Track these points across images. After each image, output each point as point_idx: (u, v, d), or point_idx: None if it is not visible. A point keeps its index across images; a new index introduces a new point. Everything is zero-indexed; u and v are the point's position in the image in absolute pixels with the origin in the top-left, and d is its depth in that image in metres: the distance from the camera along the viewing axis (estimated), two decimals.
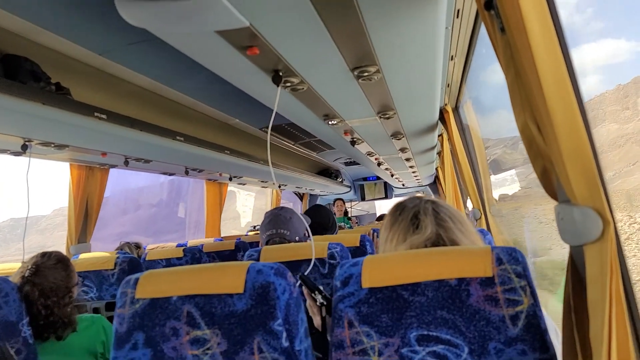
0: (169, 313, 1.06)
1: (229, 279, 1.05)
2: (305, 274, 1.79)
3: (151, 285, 1.08)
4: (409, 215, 1.16)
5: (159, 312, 1.06)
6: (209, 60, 1.50)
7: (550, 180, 0.95)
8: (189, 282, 1.07)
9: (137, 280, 1.09)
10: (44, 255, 1.83)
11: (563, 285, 0.97)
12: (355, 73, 1.65)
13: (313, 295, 1.39)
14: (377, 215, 10.68)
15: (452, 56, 2.07)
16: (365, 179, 9.80)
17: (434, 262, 0.98)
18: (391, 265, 1.00)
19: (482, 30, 1.82)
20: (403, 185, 8.73)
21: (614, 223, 0.81)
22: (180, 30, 1.21)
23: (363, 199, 10.09)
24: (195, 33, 1.24)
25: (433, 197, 1.23)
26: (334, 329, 1.01)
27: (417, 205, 1.18)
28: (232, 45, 1.31)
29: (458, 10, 1.63)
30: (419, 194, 1.39)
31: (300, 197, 9.27)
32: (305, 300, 1.54)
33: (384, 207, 11.77)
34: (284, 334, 1.03)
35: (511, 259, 0.94)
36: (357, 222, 9.26)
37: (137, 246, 3.52)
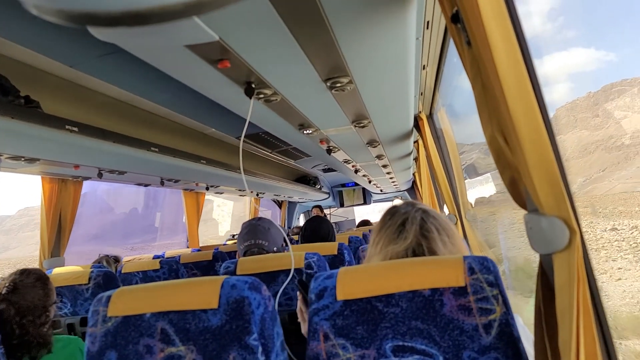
0: (143, 330, 1.04)
1: (202, 295, 1.05)
2: (284, 285, 1.79)
3: (123, 303, 1.07)
4: (397, 222, 1.16)
5: (132, 329, 1.05)
6: (180, 73, 1.49)
7: (519, 190, 0.97)
8: (162, 299, 1.05)
9: (109, 298, 1.08)
10: (23, 272, 1.78)
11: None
12: (328, 84, 1.66)
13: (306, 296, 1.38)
14: (357, 220, 10.71)
15: (424, 65, 2.09)
16: (343, 185, 9.83)
17: (407, 273, 0.99)
18: (365, 277, 1.01)
19: (451, 42, 1.84)
20: (381, 191, 8.78)
21: (581, 232, 0.83)
22: (149, 45, 1.20)
23: (342, 205, 10.11)
24: (164, 47, 1.23)
25: (425, 206, 1.23)
26: (309, 342, 1.01)
27: (407, 212, 1.18)
28: (203, 58, 1.31)
29: (428, 22, 1.65)
30: (397, 200, 1.40)
31: (279, 204, 9.25)
32: (282, 311, 1.53)
33: (363, 213, 11.80)
34: (260, 349, 1.02)
35: (483, 268, 0.95)
36: (338, 230, 9.26)
37: (116, 260, 3.46)
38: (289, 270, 1.81)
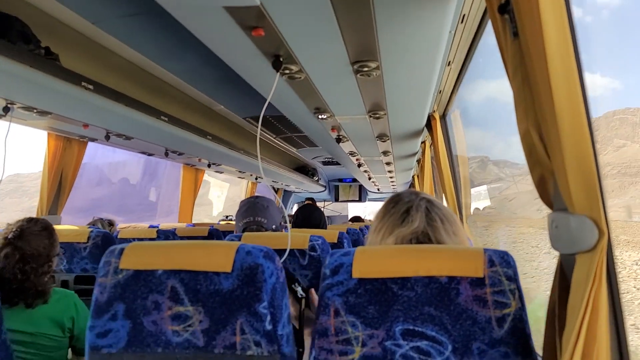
0: (153, 286, 1.03)
1: (217, 257, 1.04)
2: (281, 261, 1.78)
3: (137, 257, 1.05)
4: (402, 209, 1.15)
5: (142, 284, 1.04)
6: (211, 38, 1.48)
7: (547, 188, 0.96)
8: (176, 257, 1.04)
9: (122, 250, 1.07)
10: (31, 220, 1.78)
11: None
12: (355, 67, 1.65)
13: (293, 286, 1.38)
14: (350, 216, 10.73)
15: (449, 62, 2.09)
16: (340, 180, 9.84)
17: (426, 258, 0.98)
18: (383, 258, 1.00)
19: (483, 39, 1.84)
20: (378, 189, 8.79)
21: (609, 234, 0.83)
22: (188, 2, 1.19)
23: (337, 199, 10.13)
24: (202, 7, 1.22)
25: (428, 195, 1.23)
26: (318, 317, 1.00)
27: (412, 200, 1.17)
28: (238, 23, 1.29)
29: (464, 15, 1.64)
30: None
31: (275, 191, 9.24)
32: None
33: (356, 209, 11.82)
34: (268, 317, 1.02)
35: (503, 262, 0.95)
36: (330, 223, 9.27)
37: (110, 223, 3.44)
38: (293, 250, 1.81)
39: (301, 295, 1.35)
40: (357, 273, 0.99)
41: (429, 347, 0.94)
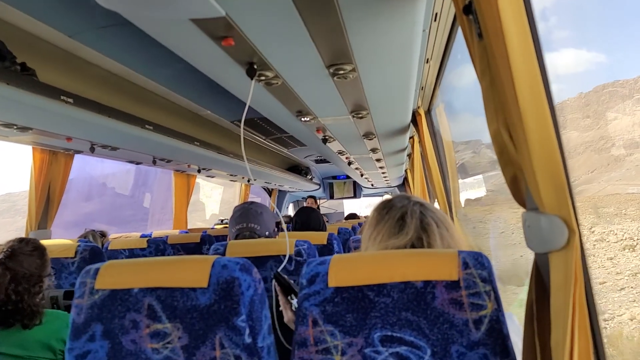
0: (130, 305, 1.03)
1: (193, 273, 1.03)
2: (281, 267, 1.77)
3: (112, 276, 1.05)
4: (396, 215, 1.15)
5: (119, 303, 1.03)
6: (183, 49, 1.47)
7: (519, 187, 0.96)
8: (151, 274, 1.04)
9: (97, 270, 1.06)
10: (22, 240, 1.77)
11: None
12: (331, 70, 1.64)
13: (289, 298, 1.36)
14: (345, 214, 10.73)
15: (427, 59, 2.08)
16: (334, 177, 9.83)
17: (400, 263, 0.98)
18: (358, 265, 1.00)
19: (459, 35, 1.83)
20: (372, 185, 8.79)
21: (579, 232, 0.82)
22: (154, 17, 1.18)
23: (332, 197, 10.13)
24: (169, 20, 1.21)
25: (421, 199, 1.22)
26: (297, 327, 1.00)
27: (405, 206, 1.16)
28: (207, 34, 1.28)
29: (436, 14, 1.64)
30: (387, 195, 1.38)
31: (269, 192, 9.23)
32: (273, 296, 1.52)
33: (351, 206, 11.83)
34: (247, 330, 1.01)
35: (477, 264, 0.94)
36: (327, 221, 9.27)
37: (102, 235, 3.43)
38: (278, 256, 1.80)
39: (295, 308, 1.34)
40: (333, 282, 0.98)
41: (408, 352, 0.94)
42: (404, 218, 1.13)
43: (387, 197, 1.25)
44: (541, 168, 0.83)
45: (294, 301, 1.35)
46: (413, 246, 1.10)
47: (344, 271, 0.99)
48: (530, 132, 0.82)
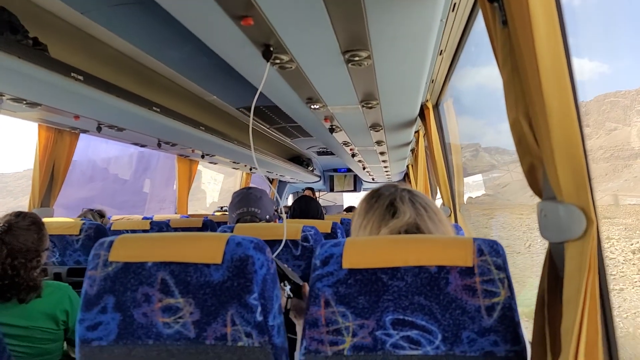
0: (142, 278, 1.03)
1: (207, 249, 1.03)
2: (275, 255, 1.78)
3: (126, 249, 1.05)
4: (385, 202, 1.16)
5: (132, 277, 1.03)
6: (201, 28, 1.46)
7: (536, 177, 0.96)
8: (165, 249, 1.04)
9: (111, 242, 1.06)
10: (19, 215, 1.76)
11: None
12: (346, 56, 1.64)
13: (282, 285, 1.36)
14: (345, 206, 10.75)
15: (441, 50, 2.08)
16: (335, 170, 9.84)
17: (415, 248, 0.98)
18: (373, 248, 1.00)
19: (475, 27, 1.83)
20: (373, 179, 8.80)
21: (597, 222, 0.83)
22: None
23: (332, 189, 10.13)
24: None
25: (407, 186, 1.23)
26: (309, 307, 1.00)
27: (393, 193, 1.17)
28: (227, 13, 1.28)
29: (455, 4, 1.63)
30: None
31: (270, 182, 9.23)
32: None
33: (351, 199, 11.83)
34: (259, 308, 1.02)
35: (492, 251, 0.95)
36: (326, 212, 9.28)
37: (101, 215, 3.41)
38: (286, 241, 1.81)
39: (288, 295, 1.34)
40: (347, 264, 0.99)
41: (419, 336, 0.95)
42: (393, 204, 1.14)
43: (374, 187, 1.26)
44: (562, 158, 0.83)
45: (287, 288, 1.35)
46: (408, 231, 1.10)
47: (358, 253, 1.00)
48: (553, 122, 0.82)
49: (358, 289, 0.98)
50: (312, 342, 0.98)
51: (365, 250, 1.00)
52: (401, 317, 0.96)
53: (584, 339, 0.78)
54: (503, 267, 0.94)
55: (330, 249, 1.02)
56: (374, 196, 1.20)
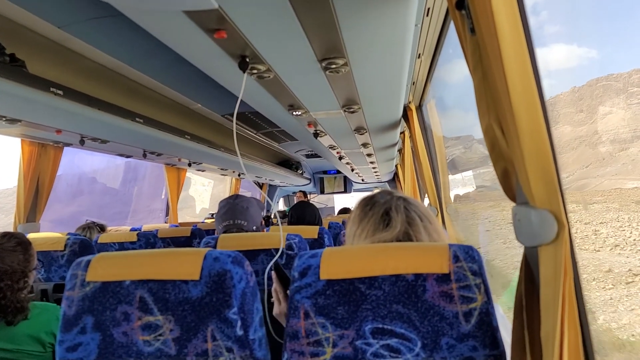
0: (121, 297, 1.02)
1: (184, 265, 1.03)
2: (273, 261, 1.77)
3: (103, 268, 1.04)
4: (380, 211, 1.16)
5: (110, 296, 1.03)
6: (175, 42, 1.46)
7: (510, 182, 0.97)
8: (143, 267, 1.04)
9: (88, 262, 1.05)
10: (4, 236, 1.74)
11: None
12: (323, 64, 1.64)
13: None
14: (336, 208, 10.75)
15: (419, 54, 2.09)
16: (325, 172, 9.84)
17: (392, 256, 0.98)
18: (349, 258, 1.00)
19: (451, 30, 1.84)
20: (363, 180, 8.81)
21: (569, 226, 0.83)
22: (146, 8, 1.17)
23: (322, 192, 10.14)
24: (161, 12, 1.20)
25: (403, 193, 1.23)
26: (289, 320, 1.00)
27: (388, 201, 1.17)
28: (200, 27, 1.28)
29: (428, 9, 1.64)
30: (375, 190, 1.39)
31: (260, 186, 9.22)
32: (265, 289, 1.52)
33: (342, 200, 11.85)
34: (239, 323, 1.02)
35: (468, 257, 0.95)
36: None
37: (101, 228, 3.40)
38: (270, 249, 1.81)
39: None
40: (324, 275, 0.99)
41: (399, 344, 0.95)
42: (388, 213, 1.14)
43: (369, 193, 1.26)
44: (532, 163, 0.84)
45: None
46: (399, 240, 1.11)
47: (335, 264, 1.00)
48: (521, 127, 0.83)
49: (337, 299, 0.98)
50: (293, 355, 0.98)
51: (343, 260, 1.00)
52: (380, 325, 0.96)
53: (567, 343, 0.78)
54: (479, 273, 0.95)
55: (308, 260, 1.02)
56: (369, 204, 1.19)
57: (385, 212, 1.15)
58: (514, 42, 0.83)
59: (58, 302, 1.85)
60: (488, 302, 0.94)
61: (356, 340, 0.96)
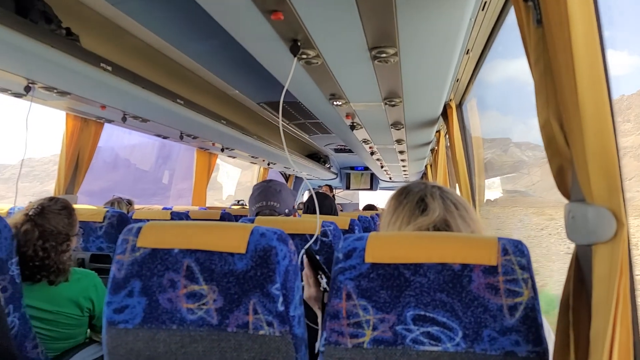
0: (169, 265, 1.05)
1: (232, 239, 1.05)
2: (305, 248, 1.79)
3: (154, 236, 1.07)
4: (415, 198, 1.16)
5: (159, 262, 1.05)
6: (231, 22, 1.48)
7: (565, 178, 0.95)
8: (192, 237, 1.06)
9: (139, 229, 1.08)
10: (52, 199, 1.83)
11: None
12: (373, 53, 1.64)
13: (318, 277, 1.37)
14: (360, 204, 10.73)
15: (468, 50, 2.07)
16: (352, 168, 9.83)
17: (439, 245, 0.98)
18: (396, 244, 1.01)
19: (503, 28, 1.81)
20: (390, 178, 8.77)
21: (627, 226, 0.82)
22: None
23: (348, 187, 10.13)
24: None
25: (437, 183, 1.23)
26: (330, 299, 1.01)
27: (423, 189, 1.17)
28: (258, 7, 1.29)
29: (485, 3, 1.62)
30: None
31: (286, 177, 9.26)
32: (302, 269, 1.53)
33: (367, 198, 11.81)
34: (281, 299, 1.03)
35: (517, 251, 0.95)
36: (341, 210, 9.29)
37: (129, 202, 3.49)
38: (305, 235, 1.82)
39: (324, 288, 1.34)
40: (369, 258, 0.99)
41: (440, 332, 0.95)
42: (423, 200, 1.14)
43: (404, 184, 1.26)
44: (595, 159, 0.82)
45: (324, 280, 1.35)
46: (437, 227, 1.11)
47: (381, 248, 1.00)
48: (587, 123, 0.82)
49: (380, 283, 0.98)
50: (333, 334, 0.99)
51: (389, 245, 1.01)
52: (422, 313, 0.96)
53: (617, 343, 0.77)
54: (527, 267, 0.94)
55: (354, 242, 1.02)
56: (403, 192, 1.19)
57: (420, 198, 1.15)
58: (585, 35, 0.82)
59: (94, 271, 1.90)
60: (534, 297, 0.93)
61: (397, 325, 0.96)
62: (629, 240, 0.84)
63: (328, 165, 8.49)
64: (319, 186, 9.73)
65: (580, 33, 0.81)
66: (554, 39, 0.86)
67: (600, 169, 0.82)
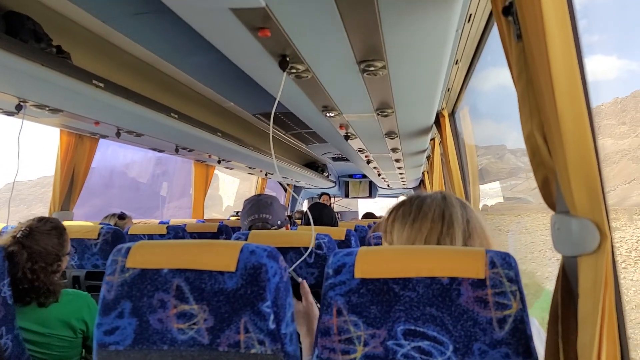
0: (158, 285, 1.05)
1: (221, 257, 1.05)
2: (296, 263, 1.79)
3: (142, 256, 1.07)
4: (418, 203, 1.17)
5: (148, 283, 1.05)
6: (218, 39, 1.49)
7: (550, 190, 0.96)
8: (181, 256, 1.06)
9: (128, 249, 1.08)
10: (41, 220, 1.80)
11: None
12: (361, 66, 1.65)
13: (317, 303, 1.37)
14: (360, 213, 10.72)
15: (456, 60, 2.08)
16: (351, 176, 9.83)
17: (428, 259, 0.99)
18: (385, 258, 1.01)
19: (490, 37, 1.83)
20: (388, 186, 8.77)
21: (611, 237, 0.83)
22: (195, 5, 1.20)
23: (347, 195, 10.13)
24: (208, 9, 1.23)
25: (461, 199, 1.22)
26: (321, 316, 1.01)
27: (430, 196, 1.18)
28: (245, 24, 1.30)
29: (470, 15, 1.64)
30: (402, 197, 1.39)
31: (285, 188, 9.26)
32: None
33: (366, 206, 11.81)
34: (272, 316, 1.03)
35: (504, 263, 0.95)
36: (339, 218, 9.28)
37: (121, 217, 3.49)
38: (299, 248, 1.82)
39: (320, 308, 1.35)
40: (359, 273, 0.99)
41: (431, 347, 0.95)
42: (422, 207, 1.15)
43: (401, 198, 1.26)
44: (576, 171, 0.83)
45: (318, 306, 1.36)
46: (438, 239, 1.11)
47: (370, 263, 1.00)
48: (566, 135, 0.83)
49: (370, 298, 0.98)
50: (324, 351, 0.99)
51: (378, 260, 1.01)
52: (412, 327, 0.96)
53: (604, 355, 0.78)
54: (515, 280, 0.94)
55: (343, 258, 1.03)
56: (406, 202, 1.19)
57: (419, 207, 1.15)
58: (562, 50, 0.83)
59: (90, 289, 1.90)
60: (523, 309, 0.93)
61: (387, 341, 0.97)
62: (613, 252, 0.85)
63: (326, 174, 8.49)
64: (318, 195, 9.74)
65: (558, 48, 0.82)
66: (533, 54, 0.87)
67: (581, 180, 0.83)
